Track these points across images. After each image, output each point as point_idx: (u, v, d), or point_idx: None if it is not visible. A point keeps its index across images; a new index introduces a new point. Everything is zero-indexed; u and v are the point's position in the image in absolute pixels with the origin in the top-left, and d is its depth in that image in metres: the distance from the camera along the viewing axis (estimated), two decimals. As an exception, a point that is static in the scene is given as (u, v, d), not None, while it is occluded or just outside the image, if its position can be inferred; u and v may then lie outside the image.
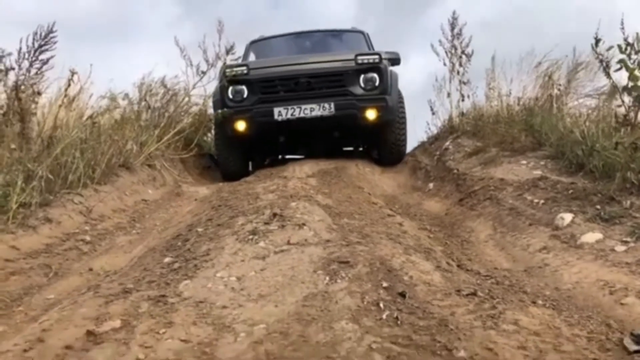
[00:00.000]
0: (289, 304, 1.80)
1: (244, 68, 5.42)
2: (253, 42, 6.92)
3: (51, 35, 4.50)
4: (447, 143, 5.69)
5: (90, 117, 4.94)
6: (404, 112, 5.94)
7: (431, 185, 4.97)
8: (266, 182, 4.11)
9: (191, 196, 4.88)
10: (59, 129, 4.27)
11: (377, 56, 5.50)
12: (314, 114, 5.26)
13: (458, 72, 6.21)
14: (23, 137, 3.85)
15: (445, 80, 6.30)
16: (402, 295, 1.79)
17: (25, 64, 4.37)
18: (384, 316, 1.64)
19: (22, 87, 4.09)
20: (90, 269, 2.74)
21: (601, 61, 2.90)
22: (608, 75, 2.95)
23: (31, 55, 4.41)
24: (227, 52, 5.73)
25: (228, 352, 1.50)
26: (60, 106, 4.28)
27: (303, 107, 5.24)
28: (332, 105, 5.27)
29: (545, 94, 5.51)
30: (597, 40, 2.86)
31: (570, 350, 1.41)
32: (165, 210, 4.31)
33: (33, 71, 4.40)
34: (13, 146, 3.30)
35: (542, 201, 3.15)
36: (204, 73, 5.69)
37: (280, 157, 7.21)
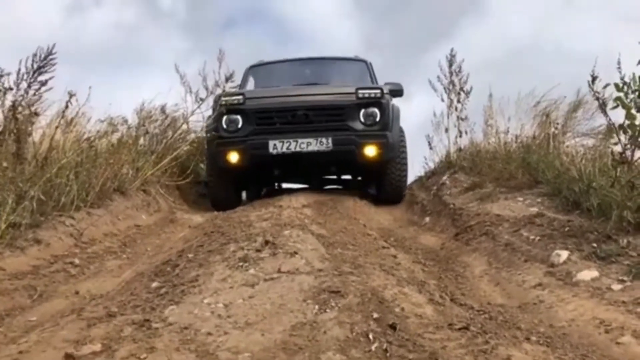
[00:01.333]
0: (276, 332, 1.75)
1: (240, 97, 5.28)
2: (252, 67, 6.77)
3: (50, 57, 4.51)
4: (444, 178, 5.69)
5: (87, 139, 4.94)
6: (405, 149, 5.74)
7: (427, 219, 4.94)
8: (261, 211, 4.07)
9: (185, 223, 4.84)
10: (55, 150, 4.24)
11: (378, 90, 5.36)
12: (310, 148, 5.08)
13: (456, 109, 6.25)
14: (17, 157, 3.82)
15: (444, 115, 6.34)
16: (393, 327, 1.74)
17: (24, 84, 4.40)
18: (373, 348, 1.59)
19: (20, 107, 4.09)
20: (77, 292, 2.68)
21: (598, 99, 2.91)
22: (605, 113, 2.95)
23: (30, 76, 4.42)
24: (227, 79, 5.70)
25: (210, 380, 1.45)
26: (56, 128, 4.26)
27: (299, 141, 5.07)
28: (330, 140, 5.09)
29: (542, 132, 5.53)
30: (594, 78, 2.87)
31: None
32: (158, 236, 4.26)
33: (31, 92, 4.42)
34: (5, 164, 3.27)
35: (538, 238, 3.12)
36: (202, 100, 5.71)
37: (277, 186, 7.11)
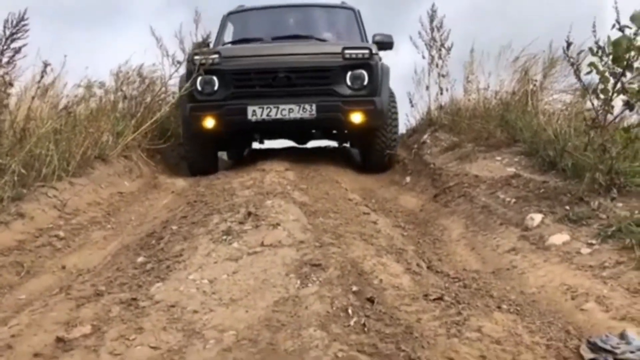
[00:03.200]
0: (259, 309, 1.83)
1: (216, 56, 4.86)
2: (230, 14, 6.27)
3: (23, 23, 4.41)
4: (425, 136, 5.74)
5: (65, 107, 4.88)
6: (395, 114, 5.39)
7: (408, 179, 5.01)
8: (243, 177, 4.10)
9: (168, 188, 4.85)
10: (33, 120, 4.20)
11: (367, 51, 4.93)
12: (292, 115, 4.75)
13: (437, 65, 6.23)
14: (-5, 128, 3.79)
15: (425, 72, 6.32)
16: (371, 300, 1.83)
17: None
18: (352, 323, 1.67)
19: (-5, 78, 4.02)
20: (63, 267, 2.73)
21: (572, 64, 2.94)
22: (579, 78, 2.99)
23: (2, 43, 4.33)
24: (204, 42, 5.54)
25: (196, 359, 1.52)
26: (33, 98, 4.20)
27: (281, 107, 4.72)
28: (314, 107, 4.74)
29: (522, 89, 5.55)
30: (569, 44, 2.90)
31: (512, 355, 1.46)
32: (141, 203, 4.28)
33: (5, 59, 4.33)
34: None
35: (513, 200, 3.21)
36: (179, 63, 5.60)
37: (259, 141, 6.86)
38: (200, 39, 5.42)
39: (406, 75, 6.61)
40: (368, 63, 4.90)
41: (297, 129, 5.23)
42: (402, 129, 6.73)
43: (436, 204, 3.81)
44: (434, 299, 1.88)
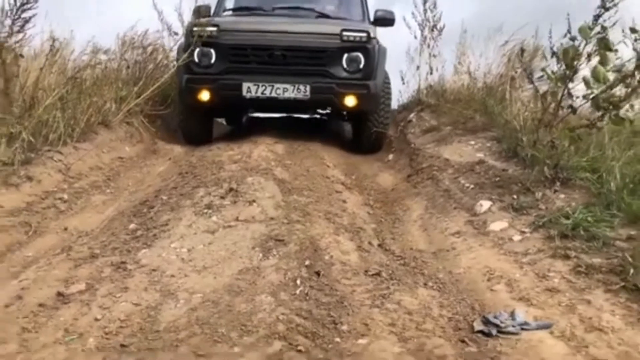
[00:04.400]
0: (225, 276, 2.20)
1: (214, 29, 4.89)
2: None
3: (32, -6, 4.71)
4: (412, 115, 6.04)
5: (73, 77, 5.19)
6: (389, 97, 5.45)
7: (391, 156, 5.33)
8: (233, 150, 4.43)
9: (166, 154, 5.21)
10: (41, 90, 4.52)
11: (365, 34, 4.95)
12: (287, 95, 4.83)
13: (429, 46, 6.48)
14: (6, 97, 4.12)
15: (417, 52, 6.56)
16: (318, 273, 2.20)
17: (8, 22, 4.61)
18: (298, 292, 2.05)
19: (5, 47, 4.33)
20: (66, 228, 3.10)
21: (525, 70, 3.23)
22: (531, 81, 3.28)
23: (13, 13, 4.63)
24: (205, 9, 5.73)
25: (168, 316, 1.90)
26: (41, 69, 4.52)
27: (275, 86, 4.80)
28: (308, 88, 4.82)
29: (507, 74, 5.81)
30: (522, 51, 3.17)
31: (428, 328, 1.83)
32: (140, 169, 4.65)
33: (16, 29, 4.63)
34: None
35: (472, 186, 3.54)
36: (176, 34, 5.86)
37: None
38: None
39: (399, 52, 6.84)
40: (365, 46, 4.95)
41: (290, 108, 5.39)
42: (394, 104, 7.03)
43: (407, 184, 4.15)
44: (372, 275, 2.25)
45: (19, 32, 4.62)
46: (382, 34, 5.89)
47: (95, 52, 6.38)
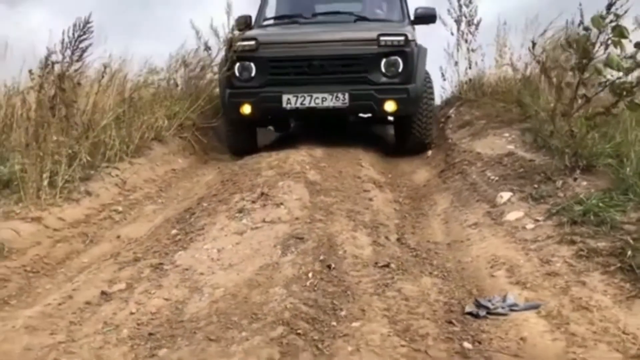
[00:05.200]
0: (247, 272, 2.45)
1: (253, 43, 5.00)
2: None
3: (88, 25, 5.17)
4: (451, 111, 6.12)
5: (130, 97, 5.63)
6: (431, 99, 5.38)
7: (430, 152, 5.43)
8: (272, 156, 4.67)
9: (215, 164, 5.54)
10: (96, 113, 4.96)
11: (402, 38, 4.93)
12: (325, 104, 4.89)
13: (466, 41, 6.52)
14: (67, 121, 4.57)
15: (454, 48, 6.62)
16: (329, 267, 2.40)
17: (68, 52, 5.09)
18: (308, 284, 2.26)
19: (66, 77, 4.79)
20: (118, 237, 3.45)
21: (538, 62, 3.29)
22: (547, 75, 3.34)
23: (72, 44, 5.10)
24: (245, 20, 5.98)
25: (193, 308, 2.17)
26: (96, 93, 4.96)
27: (314, 96, 4.87)
28: (347, 96, 4.87)
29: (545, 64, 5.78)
30: (534, 44, 3.23)
31: (420, 312, 2.00)
32: (190, 179, 5.00)
33: (75, 58, 5.11)
34: (55, 138, 4.00)
35: (497, 178, 3.64)
36: (209, 48, 6.21)
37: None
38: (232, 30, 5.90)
39: (438, 48, 6.90)
40: (403, 50, 4.93)
41: (330, 117, 5.36)
42: (437, 101, 7.11)
43: (439, 180, 4.27)
44: (381, 266, 2.44)
45: (77, 61, 5.11)
46: (420, 31, 6.02)
47: (151, 72, 6.90)
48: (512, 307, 1.98)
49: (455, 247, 2.81)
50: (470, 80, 6.42)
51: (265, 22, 6.23)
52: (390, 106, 4.98)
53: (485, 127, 4.97)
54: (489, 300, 2.05)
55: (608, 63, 3.04)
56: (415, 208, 3.66)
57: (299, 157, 4.59)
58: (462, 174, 4.05)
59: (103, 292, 2.36)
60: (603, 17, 3.06)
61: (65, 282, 2.65)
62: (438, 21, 6.54)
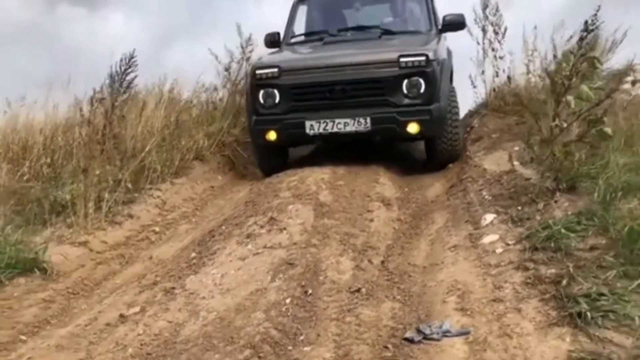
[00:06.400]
0: (239, 297, 2.88)
1: (275, 70, 5.17)
2: (299, 1, 6.60)
3: (133, 59, 5.78)
4: (475, 121, 6.30)
5: (175, 120, 6.22)
6: (456, 113, 5.42)
7: (450, 165, 5.66)
8: (295, 175, 5.03)
9: (251, 179, 6.00)
10: (143, 138, 5.54)
11: (423, 58, 4.95)
12: (348, 129, 5.03)
13: (493, 49, 6.66)
14: (115, 150, 5.18)
15: (482, 56, 6.75)
16: (306, 293, 2.80)
17: (117, 85, 5.71)
18: (284, 309, 2.67)
19: (114, 110, 5.39)
20: (150, 257, 3.98)
21: (547, 73, 3.52)
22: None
23: (120, 78, 5.72)
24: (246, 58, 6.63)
25: (187, 331, 2.62)
26: (138, 123, 5.55)
27: (336, 121, 5.02)
28: (368, 120, 4.99)
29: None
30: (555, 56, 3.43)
31: (365, 337, 2.35)
32: (225, 196, 5.50)
33: (122, 90, 5.72)
34: (102, 168, 4.60)
35: (490, 198, 3.89)
36: (226, 70, 6.72)
37: None
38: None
39: (464, 55, 7.04)
40: (424, 70, 4.95)
41: (354, 141, 5.48)
42: (464, 110, 7.28)
43: (446, 196, 4.54)
44: (353, 291, 2.81)
45: (124, 92, 5.73)
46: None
47: (198, 92, 7.51)
48: (446, 333, 2.31)
49: (428, 271, 3.12)
50: (494, 89, 6.56)
51: (293, 40, 6.48)
52: (413, 128, 5.03)
53: (499, 140, 5.17)
54: (429, 326, 2.38)
55: (579, 95, 3.25)
56: (413, 227, 3.97)
57: (320, 175, 4.94)
58: (464, 192, 4.31)
59: (121, 315, 2.86)
60: (573, 52, 3.27)
61: (97, 303, 3.19)
62: (464, 30, 6.69)
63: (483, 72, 6.72)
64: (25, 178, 5.24)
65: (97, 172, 4.45)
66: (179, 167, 5.65)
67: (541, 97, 5.62)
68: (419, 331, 2.36)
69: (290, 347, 2.34)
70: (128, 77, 5.72)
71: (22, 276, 3.41)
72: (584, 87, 3.23)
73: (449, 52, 7.79)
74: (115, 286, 3.49)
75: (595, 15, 3.34)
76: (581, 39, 3.29)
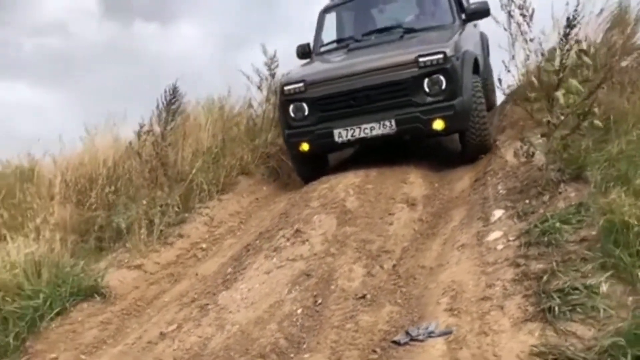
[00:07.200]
0: (260, 310, 3.23)
1: (302, 85, 5.48)
2: (326, 10, 6.81)
3: (175, 89, 6.29)
4: (507, 108, 6.32)
5: (222, 138, 6.68)
6: (482, 104, 5.43)
7: (482, 156, 5.74)
8: (328, 182, 5.29)
9: (292, 188, 6.33)
10: (190, 160, 6.02)
11: (441, 55, 5.06)
12: (374, 133, 5.25)
13: (522, 33, 6.62)
14: (165, 175, 5.68)
15: (509, 42, 6.72)
16: (316, 302, 3.10)
17: (163, 114, 6.22)
18: (294, 319, 2.99)
19: (163, 138, 5.90)
20: (196, 274, 4.40)
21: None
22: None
23: (165, 107, 6.22)
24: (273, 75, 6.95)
25: (213, 344, 3.00)
26: (187, 146, 6.04)
27: (363, 126, 5.25)
28: (393, 122, 5.18)
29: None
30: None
31: (358, 342, 2.62)
32: (267, 207, 5.87)
33: (169, 119, 6.23)
34: (148, 199, 5.10)
35: (504, 192, 4.01)
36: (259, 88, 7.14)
37: None
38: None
39: (492, 43, 7.03)
40: (444, 67, 5.06)
41: (384, 143, 5.65)
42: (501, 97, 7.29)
43: (469, 190, 4.68)
44: (358, 298, 3.08)
45: (171, 120, 6.25)
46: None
47: (243, 107, 7.94)
48: (430, 334, 2.54)
49: (434, 272, 3.33)
50: (523, 74, 6.52)
51: (323, 49, 6.75)
52: (438, 125, 5.15)
53: (522, 129, 5.20)
54: (418, 328, 2.62)
55: (568, 89, 3.35)
56: (432, 227, 4.16)
57: (352, 179, 5.19)
58: (484, 186, 4.44)
59: (161, 333, 3.29)
60: (561, 48, 3.37)
61: (146, 322, 3.64)
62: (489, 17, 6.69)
63: (513, 57, 6.69)
64: (93, 207, 5.86)
65: (148, 199, 4.91)
66: (224, 183, 6.08)
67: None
68: (407, 333, 2.61)
69: (292, 355, 2.67)
70: (173, 107, 6.29)
71: (85, 301, 3.92)
72: (573, 81, 3.33)
73: (483, 38, 7.82)
74: (163, 304, 3.93)
75: (576, 10, 3.40)
76: (565, 35, 3.37)
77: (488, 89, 7.55)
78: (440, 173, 5.53)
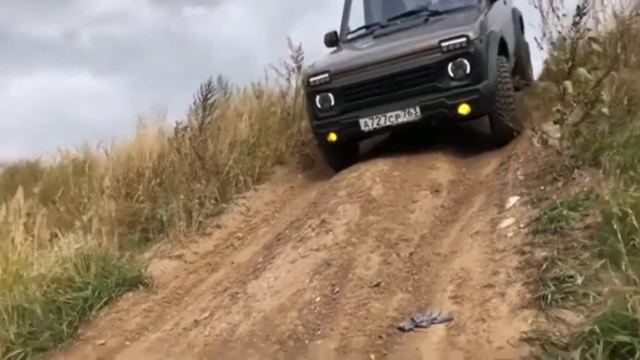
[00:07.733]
0: (283, 298, 3.48)
1: (326, 76, 5.53)
2: None
3: (211, 84, 6.58)
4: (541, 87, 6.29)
5: (259, 128, 6.96)
6: (507, 83, 5.35)
7: (514, 137, 5.76)
8: (357, 170, 5.43)
9: (326, 175, 6.50)
10: (226, 151, 6.31)
11: (464, 39, 5.05)
12: (400, 120, 5.28)
13: (553, 9, 6.54)
14: (202, 168, 6.00)
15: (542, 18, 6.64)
16: (334, 291, 3.32)
17: (200, 111, 6.53)
18: (313, 307, 3.22)
19: (201, 132, 6.21)
20: (232, 263, 4.69)
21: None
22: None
23: (201, 101, 6.52)
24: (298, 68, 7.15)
25: (240, 330, 3.27)
26: (225, 137, 6.33)
27: (388, 115, 5.29)
28: (418, 109, 5.21)
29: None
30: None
31: (366, 328, 2.82)
32: (301, 195, 6.07)
33: (206, 114, 6.52)
34: (182, 196, 5.42)
35: (522, 178, 4.09)
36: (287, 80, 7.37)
37: None
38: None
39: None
40: (467, 51, 5.05)
41: (409, 130, 5.70)
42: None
43: (493, 175, 4.76)
44: (373, 286, 3.28)
45: (208, 115, 6.55)
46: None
47: (282, 95, 8.16)
48: (433, 321, 2.72)
49: (447, 259, 3.47)
50: (552, 54, 6.46)
51: (350, 36, 6.80)
52: (464, 109, 5.15)
53: (549, 111, 5.20)
54: (423, 315, 2.80)
55: (577, 78, 3.40)
56: (452, 213, 4.28)
57: (380, 167, 5.32)
58: (505, 171, 4.51)
59: (195, 320, 3.59)
60: (571, 38, 3.41)
61: (183, 310, 3.96)
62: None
63: (544, 35, 6.63)
64: (140, 200, 6.25)
65: (187, 192, 5.24)
66: (260, 173, 6.34)
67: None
68: (412, 320, 2.79)
69: (307, 341, 2.90)
70: (209, 102, 6.58)
71: (130, 291, 4.27)
72: (582, 70, 3.37)
73: (515, 14, 7.69)
74: (199, 293, 4.24)
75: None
76: (575, 23, 3.40)
77: (523, 65, 7.49)
78: (469, 157, 5.58)
